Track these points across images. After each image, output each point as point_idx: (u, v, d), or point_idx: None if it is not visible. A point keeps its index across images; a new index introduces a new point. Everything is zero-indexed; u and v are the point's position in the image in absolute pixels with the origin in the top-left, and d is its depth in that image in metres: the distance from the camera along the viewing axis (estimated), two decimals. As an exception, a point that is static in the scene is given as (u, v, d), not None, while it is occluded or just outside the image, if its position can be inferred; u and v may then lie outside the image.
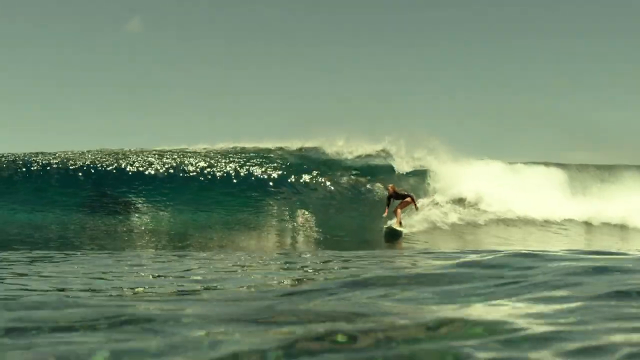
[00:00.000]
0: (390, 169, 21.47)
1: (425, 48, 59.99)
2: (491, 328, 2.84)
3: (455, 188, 19.97)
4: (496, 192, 19.97)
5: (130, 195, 18.89)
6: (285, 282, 5.34)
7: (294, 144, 22.73)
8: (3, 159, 20.92)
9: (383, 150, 22.38)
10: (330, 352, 2.51)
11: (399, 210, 16.22)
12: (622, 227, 19.45)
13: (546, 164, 23.30)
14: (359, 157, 22.25)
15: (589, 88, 55.19)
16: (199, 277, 5.89)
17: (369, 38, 60.57)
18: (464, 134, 43.68)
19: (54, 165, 20.29)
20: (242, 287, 5.00)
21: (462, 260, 5.67)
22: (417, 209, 16.66)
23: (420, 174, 21.01)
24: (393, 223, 15.93)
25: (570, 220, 19.79)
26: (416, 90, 53.11)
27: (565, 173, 22.10)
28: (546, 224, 19.50)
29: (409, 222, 16.71)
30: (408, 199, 16.42)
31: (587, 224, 19.70)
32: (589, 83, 55.96)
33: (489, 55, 57.94)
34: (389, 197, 16.36)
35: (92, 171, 20.14)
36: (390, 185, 16.91)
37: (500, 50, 58.25)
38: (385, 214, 16.25)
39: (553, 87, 53.43)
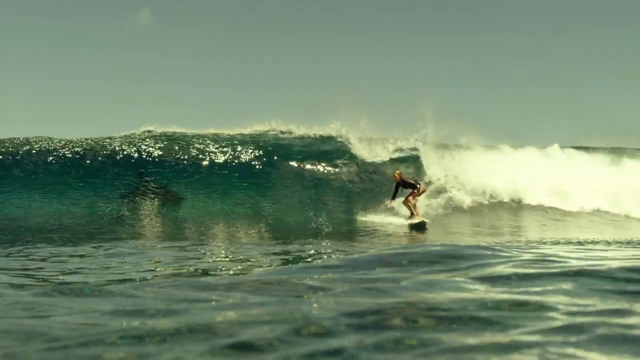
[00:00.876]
0: (416, 158, 20.71)
1: (440, 38, 60.13)
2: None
3: (491, 184, 18.90)
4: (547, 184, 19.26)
5: (145, 182, 19.08)
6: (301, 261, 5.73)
7: (310, 130, 22.23)
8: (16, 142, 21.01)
9: (415, 139, 21.25)
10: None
11: (411, 203, 15.42)
12: None
13: (577, 148, 22.90)
14: (380, 142, 21.52)
15: (602, 78, 55.12)
16: (223, 263, 6.30)
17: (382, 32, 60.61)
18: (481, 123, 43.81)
19: (68, 153, 20.51)
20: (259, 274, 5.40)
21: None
22: (416, 198, 15.61)
23: (447, 164, 20.20)
24: (414, 218, 15.19)
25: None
26: (426, 81, 53.16)
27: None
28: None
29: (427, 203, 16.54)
30: (416, 190, 15.56)
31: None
32: (602, 74, 55.91)
33: (496, 48, 57.95)
34: (397, 185, 15.66)
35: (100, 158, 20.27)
36: (397, 172, 16.03)
37: (508, 43, 58.25)
38: (389, 204, 15.69)
39: (564, 78, 53.40)
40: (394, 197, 15.83)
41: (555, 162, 21.26)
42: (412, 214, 15.51)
